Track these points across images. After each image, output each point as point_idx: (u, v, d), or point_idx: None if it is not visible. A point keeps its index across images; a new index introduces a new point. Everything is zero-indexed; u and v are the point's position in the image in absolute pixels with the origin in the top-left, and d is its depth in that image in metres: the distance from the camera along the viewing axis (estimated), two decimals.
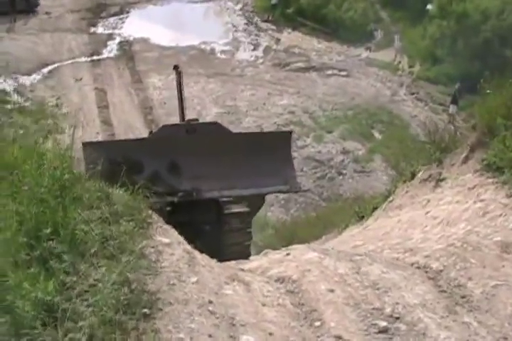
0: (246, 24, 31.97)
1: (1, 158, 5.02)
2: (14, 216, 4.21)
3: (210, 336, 3.82)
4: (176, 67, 11.69)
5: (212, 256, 5.51)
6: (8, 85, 26.31)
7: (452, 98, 24.66)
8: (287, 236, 16.11)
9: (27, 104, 25.79)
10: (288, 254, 5.72)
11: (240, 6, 33.55)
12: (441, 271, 4.86)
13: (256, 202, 10.38)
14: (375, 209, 9.54)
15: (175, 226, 5.47)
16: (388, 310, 4.29)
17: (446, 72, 26.33)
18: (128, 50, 29.92)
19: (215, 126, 10.80)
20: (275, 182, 10.23)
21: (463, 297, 4.54)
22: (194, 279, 4.33)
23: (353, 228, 9.94)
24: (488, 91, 7.55)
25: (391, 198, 8.93)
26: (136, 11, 33.03)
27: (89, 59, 28.99)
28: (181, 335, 3.77)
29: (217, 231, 10.01)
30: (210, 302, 4.14)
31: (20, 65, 27.36)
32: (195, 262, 4.62)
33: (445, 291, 4.60)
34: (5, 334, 3.51)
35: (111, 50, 30.00)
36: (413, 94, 27.29)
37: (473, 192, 6.34)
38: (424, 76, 27.55)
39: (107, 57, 29.38)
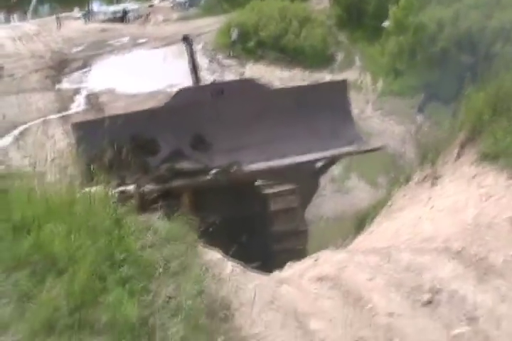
0: (209, 62, 32.74)
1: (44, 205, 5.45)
2: (85, 248, 4.71)
3: (282, 326, 4.37)
4: (185, 38, 10.73)
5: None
6: None
7: (418, 108, 25.44)
8: None
9: (1, 167, 25.91)
10: (316, 260, 6.27)
11: (200, 45, 34.24)
12: (462, 249, 5.46)
13: (306, 182, 8.59)
14: (375, 216, 9.93)
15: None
16: (427, 286, 4.89)
17: (409, 84, 27.06)
18: (96, 103, 30.35)
19: (249, 84, 9.23)
20: (337, 144, 8.54)
21: (487, 267, 5.14)
22: (252, 285, 4.88)
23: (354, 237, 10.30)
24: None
25: (390, 203, 9.40)
26: (99, 63, 33.56)
27: (58, 116, 29.32)
28: (258, 329, 4.32)
29: (261, 224, 8.27)
30: (272, 301, 4.70)
31: None
32: (246, 272, 5.17)
33: (471, 265, 5.20)
34: None
35: (79, 104, 30.35)
36: (379, 109, 28.01)
37: (474, 180, 6.87)
38: (388, 90, 28.29)
39: (76, 112, 29.75)
